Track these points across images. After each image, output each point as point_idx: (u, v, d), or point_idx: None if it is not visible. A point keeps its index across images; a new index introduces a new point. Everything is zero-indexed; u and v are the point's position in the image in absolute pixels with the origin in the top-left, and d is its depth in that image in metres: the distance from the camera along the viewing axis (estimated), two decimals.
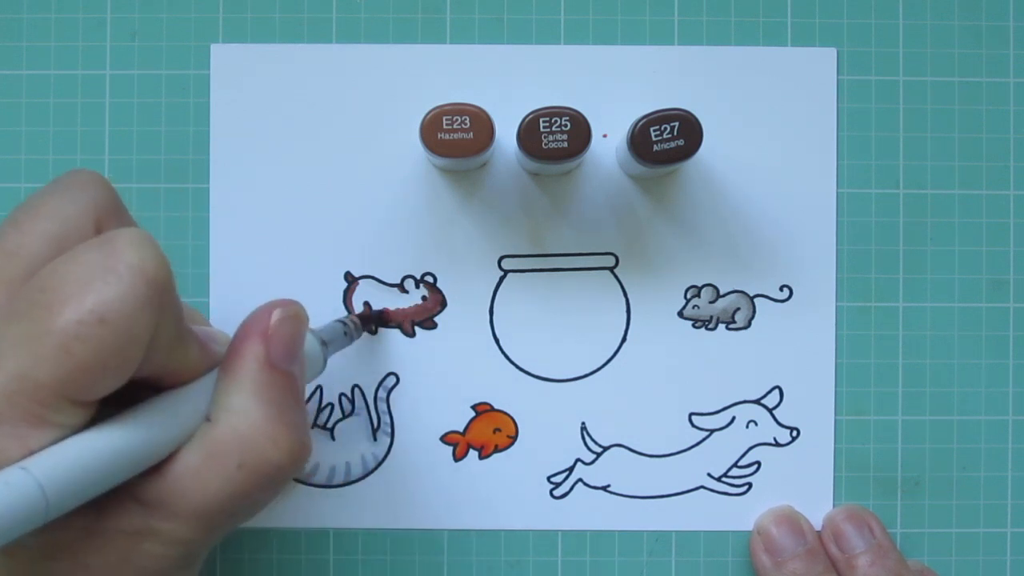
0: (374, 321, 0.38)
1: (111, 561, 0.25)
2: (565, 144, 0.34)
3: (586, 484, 0.38)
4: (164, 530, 0.25)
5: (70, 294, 0.23)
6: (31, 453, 0.23)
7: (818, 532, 0.38)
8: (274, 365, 0.27)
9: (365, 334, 0.38)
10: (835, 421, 0.39)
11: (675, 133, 0.34)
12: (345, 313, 0.38)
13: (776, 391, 0.38)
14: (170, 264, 0.24)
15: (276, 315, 0.28)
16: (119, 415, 0.25)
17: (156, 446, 0.25)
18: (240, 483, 0.26)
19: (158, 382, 0.27)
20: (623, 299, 0.38)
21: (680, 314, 0.38)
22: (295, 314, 0.29)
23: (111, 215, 0.27)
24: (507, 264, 0.38)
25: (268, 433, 0.26)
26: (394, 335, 0.38)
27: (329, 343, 0.33)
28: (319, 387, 0.38)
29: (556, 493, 0.39)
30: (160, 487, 0.25)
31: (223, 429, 0.26)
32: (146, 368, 0.25)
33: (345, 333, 0.35)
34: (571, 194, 0.38)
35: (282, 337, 0.28)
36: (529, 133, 0.34)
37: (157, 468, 0.25)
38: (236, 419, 0.26)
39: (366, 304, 0.38)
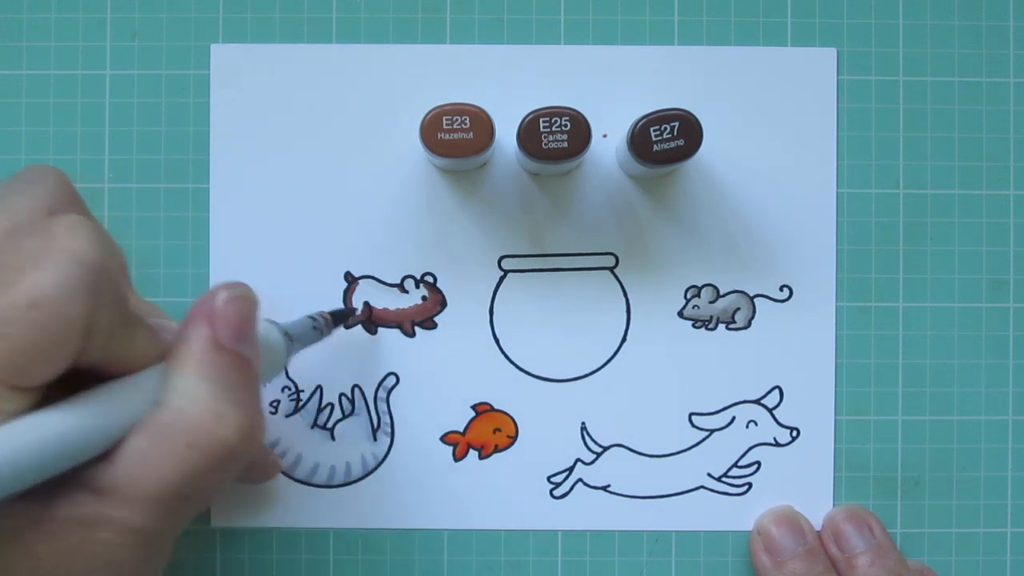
0: (346, 319, 0.37)
1: (62, 550, 0.25)
2: (565, 144, 0.34)
3: (586, 484, 0.38)
4: (117, 517, 0.25)
5: (3, 280, 0.23)
6: None
7: (818, 532, 0.38)
8: (221, 345, 0.27)
9: (366, 335, 0.38)
10: (835, 421, 0.39)
11: (675, 133, 0.34)
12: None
13: (776, 391, 0.38)
14: (116, 250, 0.24)
15: (221, 296, 0.28)
16: (65, 400, 0.25)
17: (103, 432, 0.25)
18: (190, 463, 0.26)
19: (106, 371, 0.26)
20: (623, 299, 0.38)
21: (680, 314, 0.38)
22: (242, 295, 0.28)
23: (66, 208, 0.27)
24: (507, 264, 0.38)
25: (215, 411, 0.26)
26: (394, 335, 0.38)
27: (295, 337, 0.33)
28: (319, 387, 0.38)
29: (556, 493, 0.39)
30: (109, 473, 0.25)
31: (170, 410, 0.26)
32: (88, 355, 0.25)
33: (315, 328, 0.34)
34: (571, 194, 0.38)
35: (228, 316, 0.27)
36: (529, 133, 0.34)
37: (106, 455, 0.25)
38: (182, 400, 0.26)
39: (365, 304, 0.38)
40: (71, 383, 0.25)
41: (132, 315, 0.26)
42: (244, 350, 0.28)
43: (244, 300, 0.28)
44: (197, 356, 0.27)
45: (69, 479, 0.25)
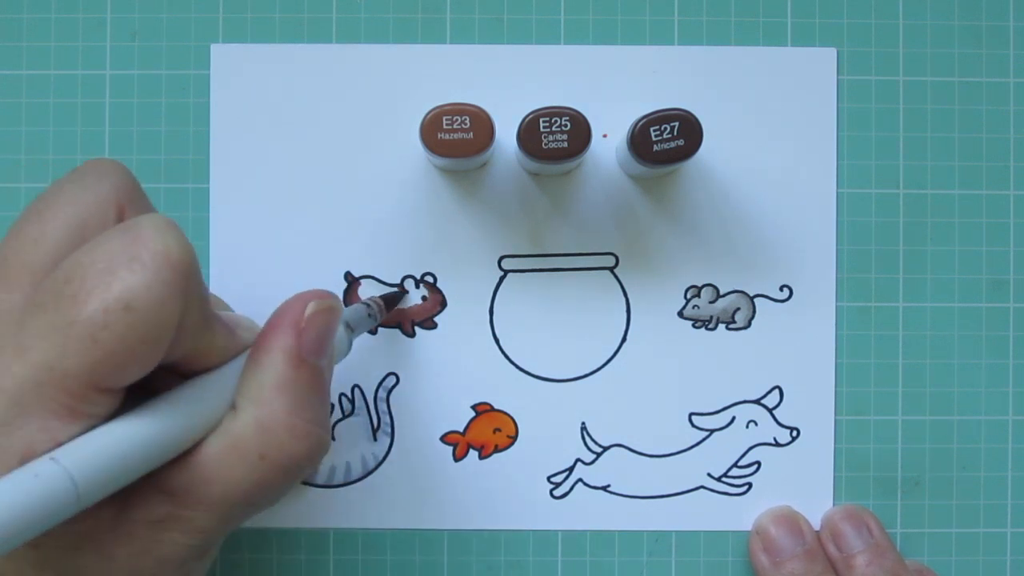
0: (397, 302, 0.37)
1: (135, 551, 0.25)
2: (565, 144, 0.34)
3: (586, 484, 0.39)
4: (187, 518, 0.25)
5: (95, 283, 0.23)
6: (59, 444, 0.23)
7: (817, 532, 0.38)
8: (302, 359, 0.27)
9: (366, 335, 0.38)
10: (835, 421, 0.39)
11: (675, 133, 0.34)
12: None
13: (776, 391, 0.38)
14: (194, 249, 0.24)
15: (311, 307, 0.28)
16: (147, 404, 0.25)
17: (183, 435, 0.25)
18: (261, 473, 0.26)
19: (185, 368, 0.27)
20: (623, 299, 0.38)
21: (680, 314, 0.38)
22: (329, 307, 0.28)
23: (132, 202, 0.27)
24: (507, 264, 0.38)
25: (290, 425, 0.26)
26: (394, 335, 0.38)
27: (355, 326, 0.33)
28: None
29: (556, 493, 0.39)
30: (184, 476, 0.25)
31: (246, 420, 0.26)
32: (173, 354, 0.25)
33: (369, 315, 0.35)
34: (571, 194, 0.38)
35: (314, 330, 0.27)
36: (529, 133, 0.34)
37: (182, 457, 0.26)
38: (260, 410, 0.26)
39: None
40: (146, 379, 0.25)
41: (212, 314, 0.27)
42: (321, 363, 0.28)
43: (331, 313, 0.28)
44: (279, 367, 0.27)
45: (143, 480, 0.25)
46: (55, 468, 0.22)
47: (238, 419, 0.26)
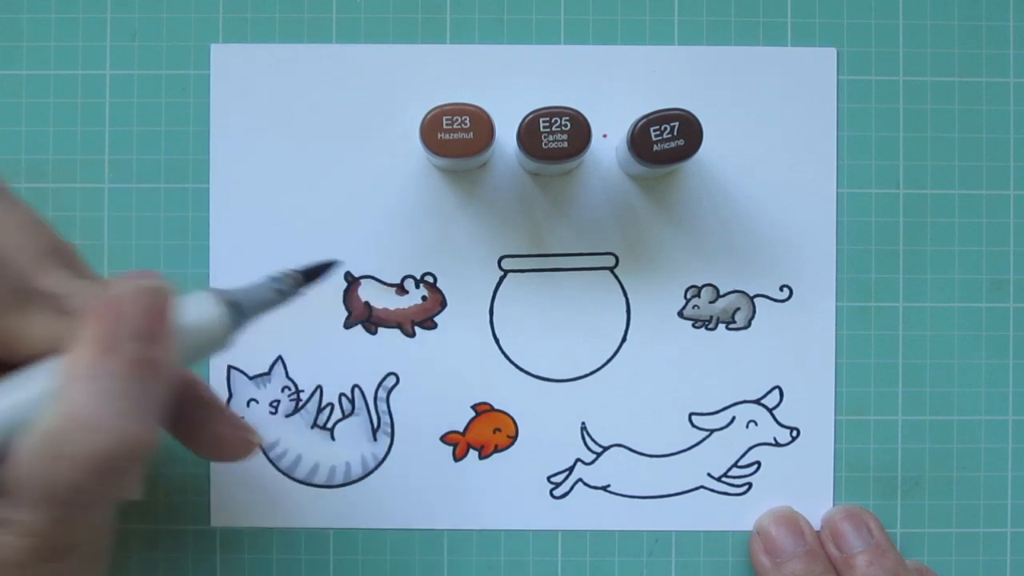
0: (322, 274, 0.31)
1: None
2: (565, 144, 0.34)
3: (586, 484, 0.38)
4: (15, 520, 0.24)
5: None
6: None
7: (817, 532, 0.38)
8: (112, 346, 0.25)
9: (366, 335, 0.38)
10: (835, 421, 0.39)
11: (675, 133, 0.34)
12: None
13: (776, 391, 0.38)
14: (19, 224, 0.24)
15: (127, 288, 0.25)
16: None
17: None
18: (70, 472, 0.24)
19: (6, 353, 0.25)
20: (623, 299, 0.38)
21: (680, 314, 0.38)
22: (151, 288, 0.25)
23: None
24: (507, 264, 0.38)
25: (86, 421, 0.24)
26: (394, 335, 0.38)
27: (249, 305, 0.29)
28: (319, 387, 0.38)
29: (556, 493, 0.39)
30: (5, 475, 0.24)
31: (53, 412, 0.24)
32: None
33: (278, 289, 0.29)
34: (571, 194, 0.38)
35: (131, 314, 0.25)
36: (529, 133, 0.34)
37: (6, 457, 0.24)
38: (61, 403, 0.24)
39: (367, 303, 0.38)
40: None
41: (32, 294, 0.25)
42: (146, 351, 0.25)
43: (153, 294, 0.25)
44: (85, 355, 0.24)
45: None
46: None
47: (47, 412, 0.24)
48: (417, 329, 0.38)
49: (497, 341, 0.38)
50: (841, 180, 0.38)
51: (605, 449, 0.38)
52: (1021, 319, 0.39)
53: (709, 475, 0.39)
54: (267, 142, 0.38)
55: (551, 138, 0.34)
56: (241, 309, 0.28)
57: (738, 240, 0.38)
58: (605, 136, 0.38)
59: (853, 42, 0.38)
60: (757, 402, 0.39)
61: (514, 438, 0.38)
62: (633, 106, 0.36)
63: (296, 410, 0.38)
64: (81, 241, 0.38)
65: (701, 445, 0.39)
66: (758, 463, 0.39)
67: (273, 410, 0.38)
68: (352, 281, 0.38)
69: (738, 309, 0.38)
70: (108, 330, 0.25)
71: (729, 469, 0.39)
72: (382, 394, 0.38)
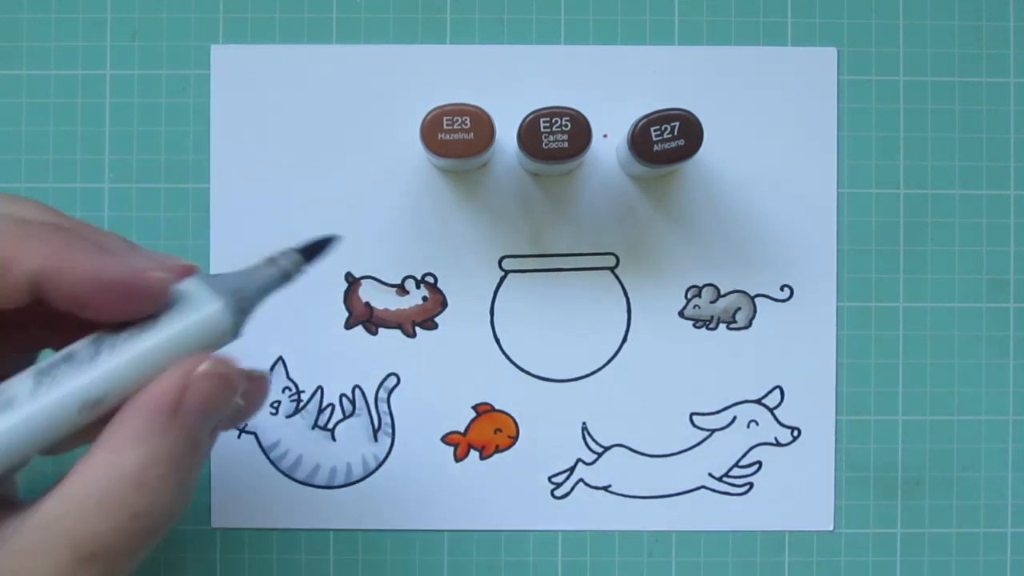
0: (323, 249, 0.29)
1: None
2: (565, 144, 0.34)
3: (587, 484, 0.38)
4: (39, 569, 0.24)
5: None
6: None
7: None
8: (178, 417, 0.25)
9: (367, 335, 0.38)
10: (836, 421, 0.39)
11: (675, 133, 0.34)
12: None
13: (777, 391, 0.39)
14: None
15: (204, 367, 0.25)
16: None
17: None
18: (96, 524, 0.24)
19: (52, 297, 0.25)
20: (624, 299, 0.38)
21: (681, 314, 0.38)
22: (224, 375, 0.26)
23: None
24: (507, 264, 0.38)
25: (139, 480, 0.24)
26: (395, 335, 0.38)
27: (248, 293, 0.27)
28: (320, 388, 0.38)
29: (557, 493, 0.39)
30: (33, 513, 0.24)
31: (95, 457, 0.24)
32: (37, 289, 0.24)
33: (281, 272, 0.28)
34: (571, 194, 0.38)
35: (200, 392, 0.25)
36: (529, 133, 0.34)
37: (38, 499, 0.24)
38: (110, 454, 0.24)
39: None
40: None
41: (67, 234, 0.25)
42: (198, 427, 0.25)
43: (225, 381, 0.26)
44: (149, 417, 0.25)
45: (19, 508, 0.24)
46: None
47: (88, 457, 0.24)
48: (418, 329, 0.38)
49: (498, 341, 0.38)
50: (841, 180, 0.38)
51: (606, 449, 0.38)
52: (1021, 319, 0.39)
53: (710, 475, 0.39)
54: (267, 142, 0.38)
55: (551, 138, 0.34)
56: (243, 298, 0.27)
57: (738, 240, 0.38)
58: (605, 136, 0.38)
59: (853, 42, 0.38)
60: (758, 402, 0.39)
61: (515, 438, 0.38)
62: (633, 106, 0.36)
63: (297, 411, 0.38)
64: None
65: (702, 445, 0.39)
66: (759, 463, 0.39)
67: (274, 411, 0.38)
68: (353, 282, 0.38)
69: (739, 309, 0.38)
70: (174, 399, 0.25)
71: (730, 469, 0.39)
72: (383, 395, 0.38)
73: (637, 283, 0.38)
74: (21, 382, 0.25)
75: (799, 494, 0.39)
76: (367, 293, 0.38)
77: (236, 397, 0.27)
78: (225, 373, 0.26)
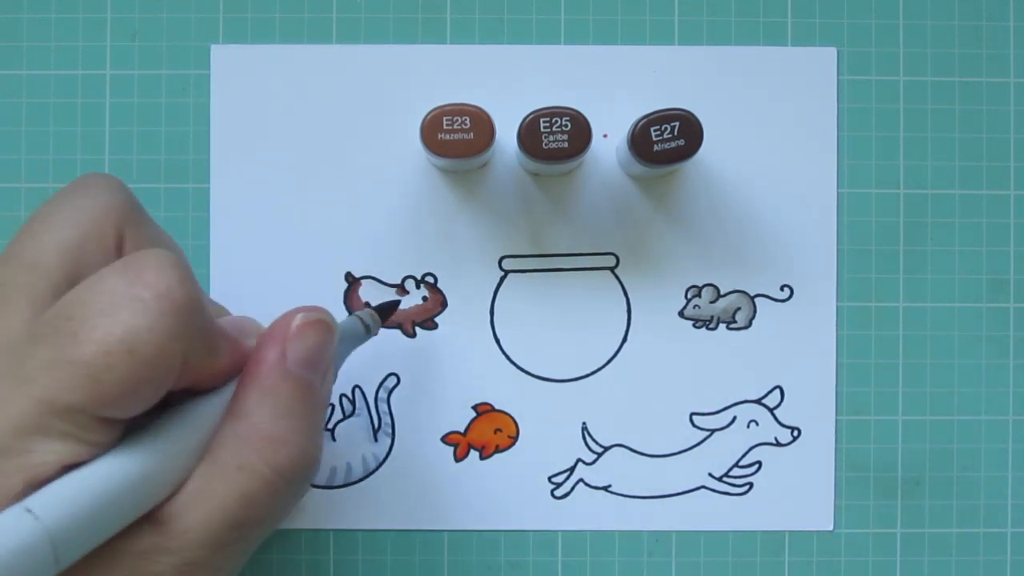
0: (393, 311, 0.36)
1: None
2: (565, 144, 0.34)
3: (587, 484, 0.38)
4: (173, 547, 0.25)
5: (96, 323, 0.23)
6: (65, 467, 0.23)
7: None
8: (288, 370, 0.27)
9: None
10: (836, 421, 0.39)
11: (675, 133, 0.34)
12: (347, 313, 0.38)
13: (777, 391, 0.39)
14: (195, 281, 0.24)
15: (298, 319, 0.28)
16: (137, 442, 0.25)
17: (174, 474, 0.25)
18: (242, 487, 0.25)
19: (193, 388, 0.26)
20: (624, 299, 0.38)
21: (681, 314, 0.38)
22: (318, 320, 0.28)
23: (130, 222, 0.27)
24: (507, 264, 0.38)
25: (269, 435, 0.26)
26: (395, 335, 0.38)
27: (343, 341, 0.32)
28: None
29: (557, 493, 0.38)
30: (171, 505, 0.25)
31: (224, 432, 0.26)
32: (178, 384, 0.25)
33: (367, 328, 0.34)
34: (571, 194, 0.38)
35: (302, 342, 0.27)
36: (529, 133, 0.34)
37: None
38: (238, 422, 0.26)
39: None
40: None
41: (216, 336, 0.26)
42: (312, 377, 0.27)
43: (321, 326, 0.28)
44: (260, 377, 0.26)
45: None
46: (35, 528, 0.21)
47: (218, 435, 0.26)
48: (418, 329, 0.38)
49: (498, 341, 0.38)
50: (841, 180, 0.38)
51: (606, 449, 0.38)
52: (1021, 319, 0.39)
53: (710, 475, 0.39)
54: (267, 142, 0.38)
55: (551, 138, 0.34)
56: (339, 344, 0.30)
57: (738, 240, 0.38)
58: (605, 136, 0.38)
59: (853, 42, 0.38)
60: (758, 402, 0.39)
61: (515, 438, 0.38)
62: (633, 106, 0.36)
63: None
64: None
65: (702, 445, 0.39)
66: (759, 463, 0.39)
67: None
68: (352, 282, 0.38)
69: (739, 309, 0.38)
70: (280, 355, 0.27)
71: (730, 469, 0.39)
72: (383, 394, 0.38)
73: (637, 283, 0.38)
74: None
75: (799, 494, 0.39)
76: (367, 293, 0.38)
77: (334, 339, 0.29)
78: (318, 319, 0.28)
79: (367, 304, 0.38)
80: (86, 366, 0.22)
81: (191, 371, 0.25)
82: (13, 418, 0.23)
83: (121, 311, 0.23)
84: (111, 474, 0.23)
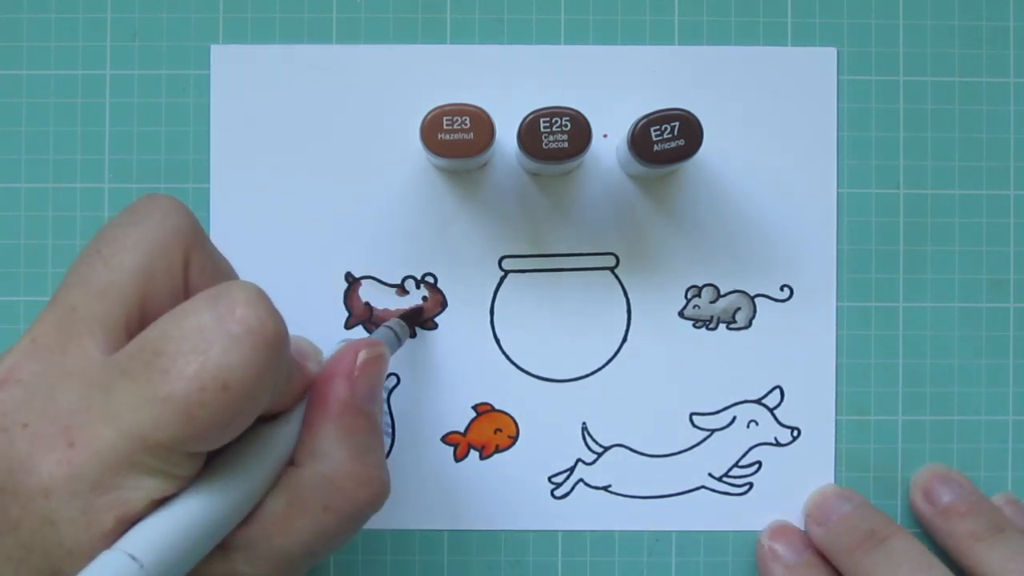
0: (418, 317, 0.38)
1: None
2: (565, 144, 0.34)
3: (587, 484, 0.38)
4: (247, 574, 0.25)
5: (188, 360, 0.23)
6: (154, 502, 0.23)
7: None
8: (359, 408, 0.28)
9: (367, 335, 0.38)
10: (835, 421, 0.39)
11: (675, 133, 0.34)
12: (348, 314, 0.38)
13: (777, 391, 0.39)
14: (278, 313, 0.24)
15: (362, 356, 0.28)
16: (214, 474, 0.25)
17: (248, 501, 0.25)
18: (325, 525, 0.26)
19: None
20: (624, 299, 0.38)
21: (681, 314, 0.38)
22: (379, 355, 0.29)
23: (196, 244, 0.27)
24: (507, 264, 0.38)
25: (353, 475, 0.27)
26: None
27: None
28: None
29: (557, 493, 0.39)
30: (246, 533, 0.25)
31: (309, 474, 0.26)
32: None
33: (398, 339, 0.35)
34: (571, 194, 0.38)
35: (366, 379, 0.28)
36: (529, 133, 0.34)
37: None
38: (322, 464, 0.27)
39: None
40: None
41: (293, 366, 0.27)
42: (375, 409, 0.28)
43: (380, 360, 0.29)
44: (336, 417, 0.27)
45: None
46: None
47: (301, 474, 0.26)
48: (418, 329, 0.38)
49: (498, 341, 0.38)
50: (841, 180, 0.38)
51: (606, 449, 0.38)
52: (1021, 319, 0.39)
53: (710, 475, 0.39)
54: (267, 142, 0.38)
55: (551, 138, 0.34)
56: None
57: (738, 240, 0.38)
58: (605, 136, 0.38)
59: (853, 42, 0.38)
60: (758, 402, 0.39)
61: (515, 438, 0.38)
62: (633, 106, 0.36)
63: None
64: (81, 241, 0.38)
65: (702, 445, 0.39)
66: (759, 463, 0.39)
67: None
68: (353, 282, 0.38)
69: (739, 309, 0.38)
70: (350, 394, 0.28)
71: (730, 469, 0.39)
72: (383, 395, 0.38)
73: (637, 283, 0.38)
74: None
75: (799, 494, 0.39)
76: (367, 293, 0.38)
77: (387, 368, 0.30)
78: (379, 354, 0.29)
79: (367, 304, 0.38)
80: (180, 402, 0.22)
81: (272, 401, 0.26)
82: (103, 454, 0.23)
83: (213, 346, 0.23)
84: (198, 509, 0.24)
